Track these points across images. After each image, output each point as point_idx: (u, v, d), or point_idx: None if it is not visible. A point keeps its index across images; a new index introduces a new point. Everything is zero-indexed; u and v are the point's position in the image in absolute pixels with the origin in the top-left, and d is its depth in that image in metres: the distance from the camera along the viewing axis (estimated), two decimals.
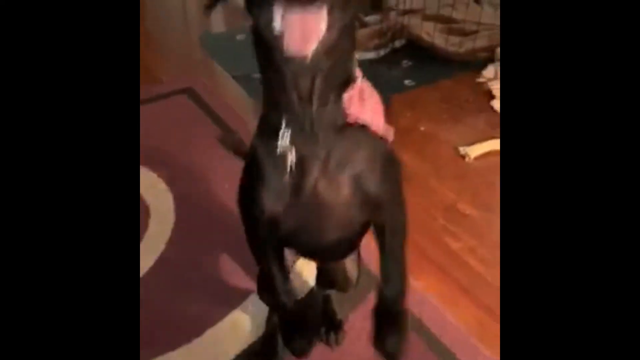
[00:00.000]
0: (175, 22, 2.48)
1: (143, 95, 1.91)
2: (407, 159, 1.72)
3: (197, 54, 2.23)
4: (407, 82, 2.09)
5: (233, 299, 1.22)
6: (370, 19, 2.41)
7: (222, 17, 2.62)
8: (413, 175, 1.66)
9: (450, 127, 1.87)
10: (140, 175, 1.57)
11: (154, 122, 1.79)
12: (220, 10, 2.69)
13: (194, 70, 2.11)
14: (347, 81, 0.73)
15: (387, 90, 2.01)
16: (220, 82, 2.06)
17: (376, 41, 2.23)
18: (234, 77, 2.07)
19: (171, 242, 1.37)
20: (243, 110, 1.90)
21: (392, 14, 2.24)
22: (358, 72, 0.79)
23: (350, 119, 0.73)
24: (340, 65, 0.71)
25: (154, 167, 1.60)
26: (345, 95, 0.72)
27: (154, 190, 1.53)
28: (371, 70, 2.09)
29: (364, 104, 0.76)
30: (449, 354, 1.11)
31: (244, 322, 1.18)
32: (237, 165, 1.59)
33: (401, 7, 2.28)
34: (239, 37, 2.33)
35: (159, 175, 1.57)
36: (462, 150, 1.73)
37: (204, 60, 2.18)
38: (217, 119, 1.82)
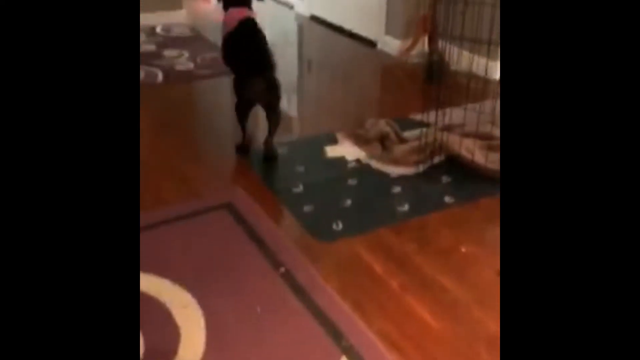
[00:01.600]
0: (222, 134, 2.59)
1: (183, 210, 1.95)
2: (447, 283, 1.64)
3: (240, 168, 2.29)
4: (447, 199, 2.06)
5: None
6: (408, 134, 2.44)
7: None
8: (453, 303, 1.58)
9: (493, 249, 1.80)
10: (173, 294, 1.56)
11: (192, 238, 1.81)
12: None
13: (235, 183, 2.15)
14: None
15: (426, 208, 2.00)
16: (261, 195, 2.09)
17: (415, 157, 2.24)
18: (273, 191, 2.10)
19: None
20: (280, 225, 1.90)
21: (431, 130, 2.26)
22: None
23: None
24: None
25: (187, 285, 1.59)
26: None
27: (186, 311, 1.50)
28: (410, 187, 2.10)
29: None
30: None
31: None
32: (270, 288, 1.56)
33: (440, 123, 2.31)
34: (281, 151, 2.39)
35: (192, 296, 1.56)
36: None
37: (246, 174, 2.23)
38: (253, 236, 1.82)
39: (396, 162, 2.24)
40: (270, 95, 2.17)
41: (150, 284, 1.60)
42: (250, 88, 2.15)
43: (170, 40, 3.78)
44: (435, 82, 2.61)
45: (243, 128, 2.31)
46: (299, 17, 4.49)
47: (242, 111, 2.26)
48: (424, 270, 1.70)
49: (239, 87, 2.22)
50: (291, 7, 4.67)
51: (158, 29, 3.98)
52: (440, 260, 1.75)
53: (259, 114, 2.39)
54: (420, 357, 1.40)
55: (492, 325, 1.51)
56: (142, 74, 3.18)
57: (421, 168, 2.22)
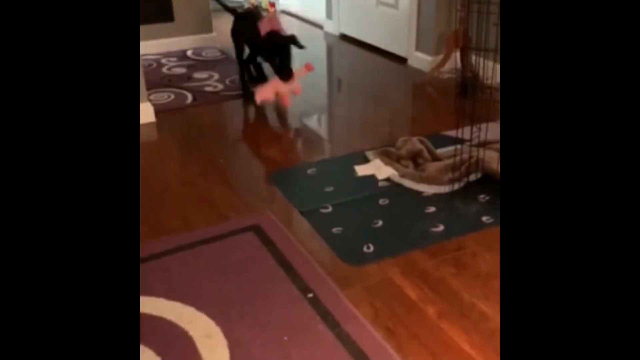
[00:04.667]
0: (249, 154, 2.55)
1: (210, 233, 1.90)
2: (488, 310, 1.53)
3: (268, 190, 2.23)
4: (485, 218, 1.95)
5: None
6: (442, 152, 2.34)
7: (300, 150, 2.66)
8: (494, 332, 1.46)
9: None
10: (198, 323, 1.49)
11: (218, 262, 1.75)
12: (297, 143, 2.75)
13: (263, 205, 2.10)
14: None
15: (463, 228, 1.89)
16: (289, 217, 2.02)
17: (449, 175, 2.14)
18: (301, 213, 2.04)
19: None
20: (309, 248, 1.82)
21: (466, 147, 2.16)
22: None
23: None
24: None
25: (212, 314, 1.52)
26: None
27: (210, 341, 1.43)
28: (445, 206, 2.00)
29: None
30: None
31: None
32: (297, 315, 1.49)
33: (475, 139, 2.20)
34: (310, 171, 2.33)
35: (217, 324, 1.49)
36: None
37: (274, 196, 2.17)
38: (281, 259, 1.75)
39: (430, 180, 2.15)
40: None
41: (174, 312, 1.54)
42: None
43: (200, 63, 3.80)
44: (469, 97, 2.51)
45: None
46: (328, 36, 4.47)
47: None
48: (461, 296, 1.59)
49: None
50: (321, 27, 4.66)
51: (189, 53, 4.02)
52: (479, 285, 1.63)
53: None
54: None
55: None
56: (171, 97, 3.19)
57: (456, 186, 2.12)
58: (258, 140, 2.71)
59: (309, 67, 2.90)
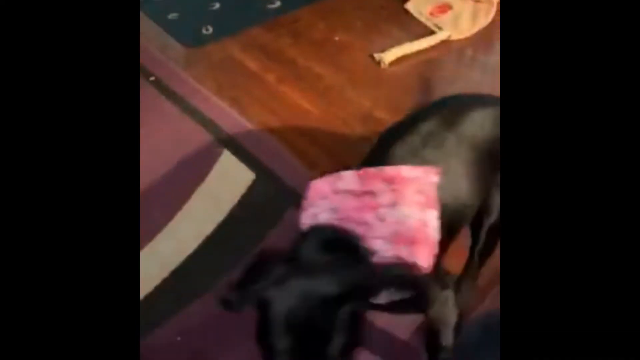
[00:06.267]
0: None
1: None
2: (322, 71, 1.67)
3: None
4: None
5: None
6: None
7: None
8: (328, 88, 1.62)
9: (364, 35, 1.81)
10: None
11: None
12: None
13: None
14: None
15: (298, 2, 1.93)
16: None
17: None
18: None
19: None
20: (146, 36, 1.76)
21: None
22: None
23: None
24: None
25: None
26: None
27: None
28: None
29: None
30: None
31: None
32: (141, 98, 1.49)
33: None
34: None
35: None
36: (377, 56, 1.69)
37: None
38: None
39: None
40: None
41: None
42: None
43: None
44: None
45: None
46: None
47: None
48: (298, 61, 1.70)
49: None
50: None
51: None
52: (314, 50, 1.74)
53: None
54: (300, 139, 1.47)
55: (365, 102, 1.59)
56: None
57: None
58: None
59: None
